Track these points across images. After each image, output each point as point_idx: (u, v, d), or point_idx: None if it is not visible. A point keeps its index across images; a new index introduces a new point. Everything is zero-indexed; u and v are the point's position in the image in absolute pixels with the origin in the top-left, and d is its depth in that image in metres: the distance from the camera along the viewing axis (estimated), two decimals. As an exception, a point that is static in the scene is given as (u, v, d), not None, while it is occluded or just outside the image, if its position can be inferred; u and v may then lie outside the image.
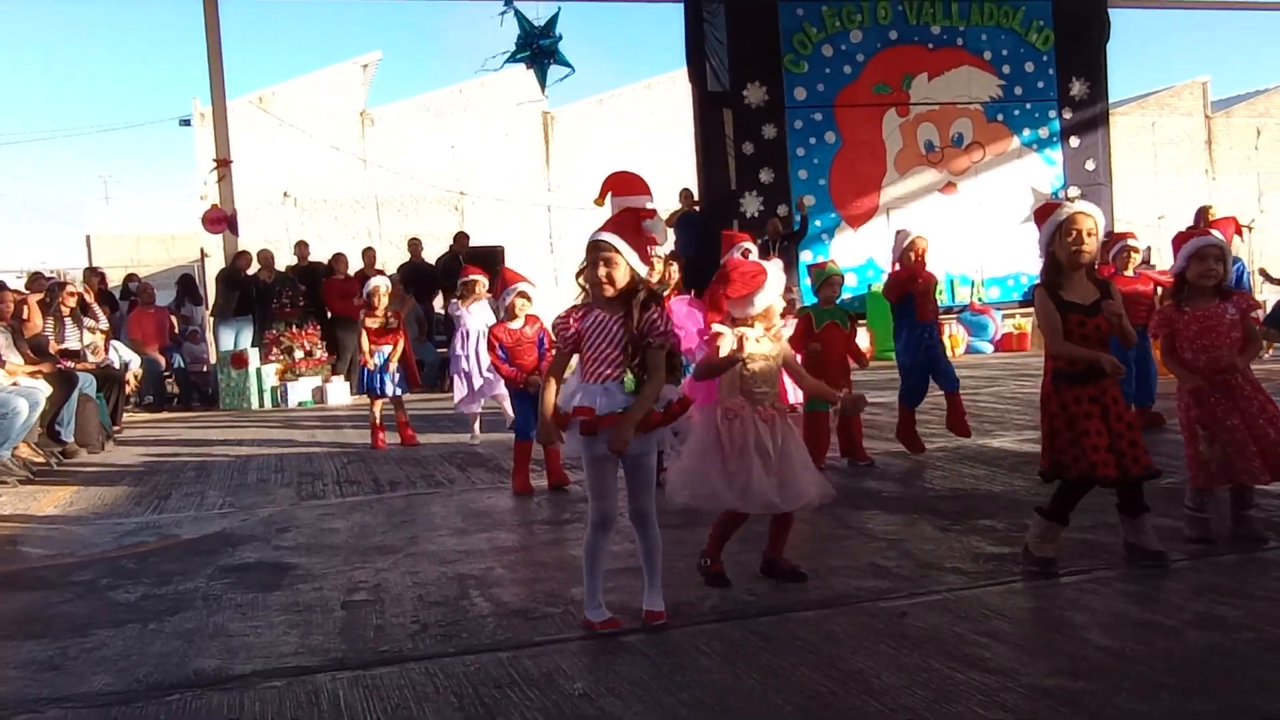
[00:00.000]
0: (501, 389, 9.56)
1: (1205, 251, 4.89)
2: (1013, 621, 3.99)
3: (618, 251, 3.92)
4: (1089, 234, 4.47)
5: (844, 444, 7.57)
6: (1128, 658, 3.57)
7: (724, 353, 4.39)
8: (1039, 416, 4.74)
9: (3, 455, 8.37)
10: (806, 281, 11.25)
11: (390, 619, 4.37)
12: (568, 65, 15.73)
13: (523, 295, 7.24)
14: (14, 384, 8.84)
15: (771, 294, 4.48)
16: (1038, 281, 4.71)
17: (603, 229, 4.02)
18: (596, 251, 3.96)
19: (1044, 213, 4.72)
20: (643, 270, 4.02)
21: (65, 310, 12.08)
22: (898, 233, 8.13)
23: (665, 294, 6.02)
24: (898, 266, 7.95)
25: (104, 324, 12.15)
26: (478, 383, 9.55)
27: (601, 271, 3.93)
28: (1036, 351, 16.51)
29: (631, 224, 4.01)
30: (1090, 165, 18.12)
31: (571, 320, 4.04)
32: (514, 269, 7.87)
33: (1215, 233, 5.21)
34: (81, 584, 5.20)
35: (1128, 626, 3.90)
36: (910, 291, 7.80)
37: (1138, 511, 4.62)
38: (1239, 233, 8.53)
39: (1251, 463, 4.78)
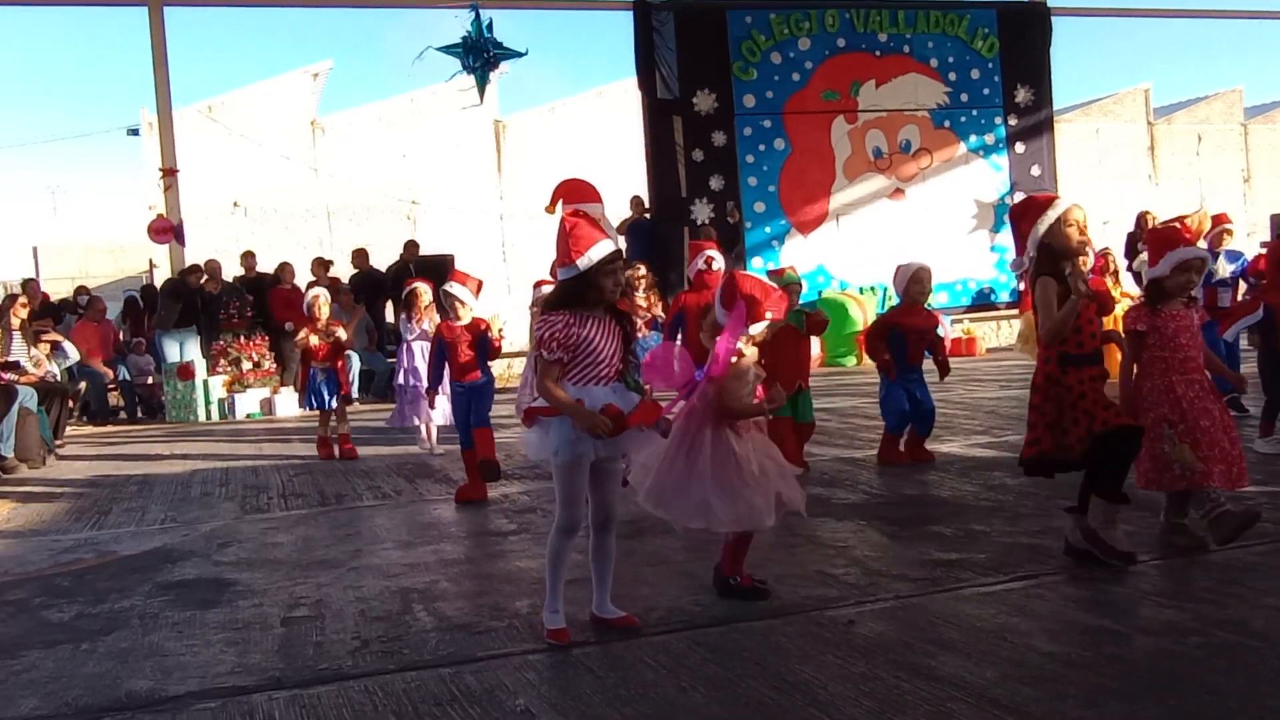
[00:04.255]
0: (426, 410, 9.25)
1: (1191, 264, 5.00)
2: (960, 629, 3.97)
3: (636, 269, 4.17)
4: (1085, 224, 4.67)
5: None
6: (1074, 664, 3.56)
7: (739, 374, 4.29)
8: (1038, 404, 4.70)
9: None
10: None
11: (331, 635, 4.28)
12: (517, 54, 15.53)
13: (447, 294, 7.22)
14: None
15: None
16: (1036, 272, 4.72)
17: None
18: (618, 261, 4.05)
19: (1028, 208, 4.76)
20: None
21: (15, 323, 11.81)
22: (899, 268, 7.74)
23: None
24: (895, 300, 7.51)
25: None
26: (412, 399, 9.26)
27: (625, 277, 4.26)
28: (985, 357, 16.63)
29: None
30: (1036, 171, 18.28)
31: (564, 325, 3.93)
32: (463, 270, 7.66)
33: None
34: (13, 603, 5.06)
35: (1075, 632, 3.90)
36: (905, 333, 7.56)
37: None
38: None
39: (1215, 465, 4.80)
